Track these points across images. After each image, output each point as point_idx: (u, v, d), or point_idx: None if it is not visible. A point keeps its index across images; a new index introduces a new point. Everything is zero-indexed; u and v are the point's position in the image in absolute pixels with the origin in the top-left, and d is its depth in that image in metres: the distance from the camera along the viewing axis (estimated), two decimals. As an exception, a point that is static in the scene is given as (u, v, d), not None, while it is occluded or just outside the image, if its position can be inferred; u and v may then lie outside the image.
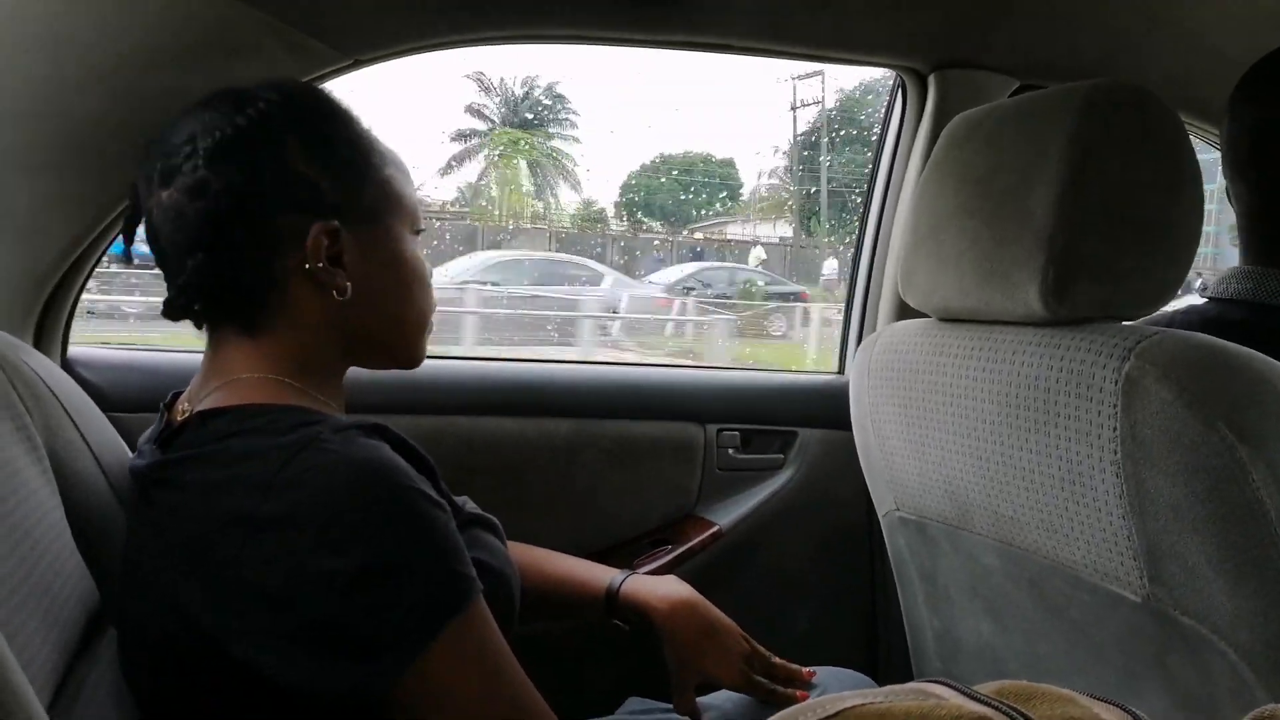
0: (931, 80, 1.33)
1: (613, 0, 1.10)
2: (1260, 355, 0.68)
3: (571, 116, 17.60)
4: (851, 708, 0.33)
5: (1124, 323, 0.79)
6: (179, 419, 0.73)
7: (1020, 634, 0.92)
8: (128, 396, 1.18)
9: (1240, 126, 0.95)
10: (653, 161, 17.02)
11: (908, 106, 1.39)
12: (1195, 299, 1.00)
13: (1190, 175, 0.77)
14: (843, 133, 15.48)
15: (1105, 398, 0.71)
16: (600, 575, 1.06)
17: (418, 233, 0.83)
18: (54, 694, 0.62)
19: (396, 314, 0.81)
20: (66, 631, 0.67)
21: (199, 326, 0.77)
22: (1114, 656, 0.79)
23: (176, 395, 0.80)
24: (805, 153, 16.10)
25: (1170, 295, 0.79)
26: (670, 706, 1.10)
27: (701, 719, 1.02)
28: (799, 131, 15.90)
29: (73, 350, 1.20)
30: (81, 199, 1.06)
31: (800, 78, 14.33)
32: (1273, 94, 0.92)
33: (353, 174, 0.76)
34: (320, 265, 0.73)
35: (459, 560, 0.67)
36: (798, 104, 14.85)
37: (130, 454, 0.93)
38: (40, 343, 1.11)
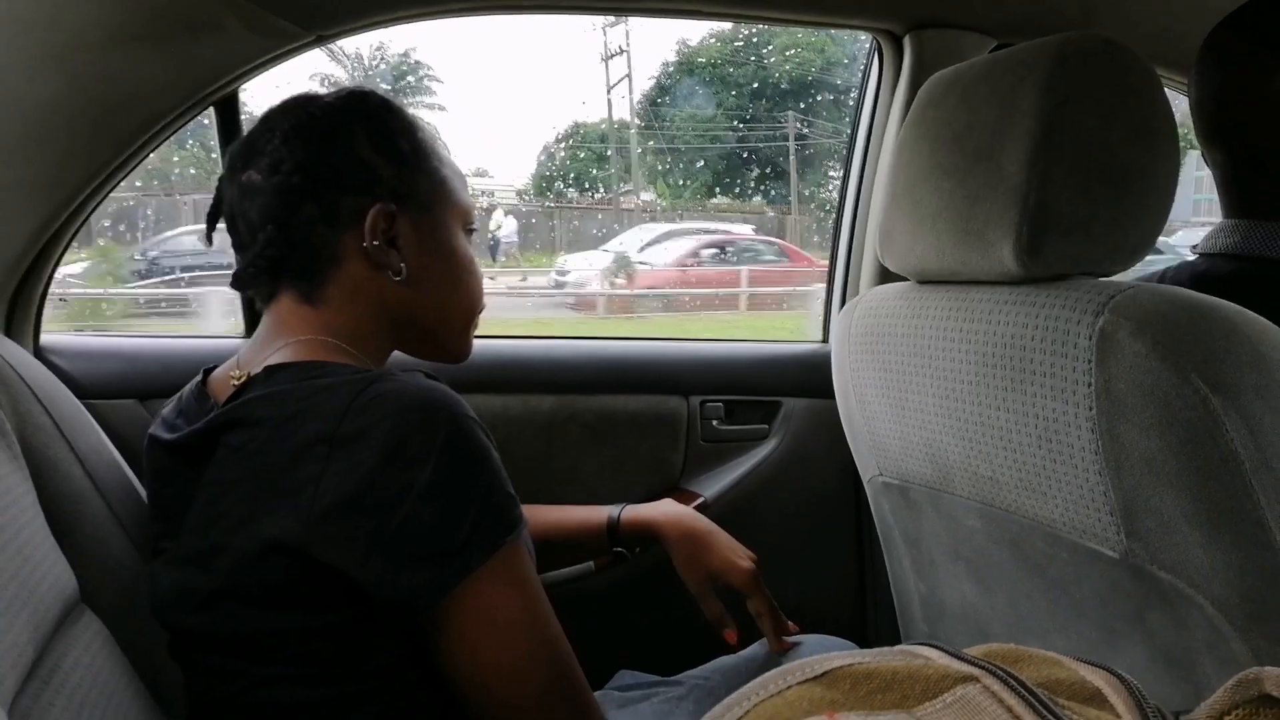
0: (907, 41, 1.31)
1: None
2: (1234, 306, 0.68)
3: (433, 85, 16.77)
4: (839, 667, 0.33)
5: (1099, 278, 0.78)
6: (234, 381, 0.77)
7: (1003, 595, 0.92)
8: (103, 383, 1.17)
9: (1206, 91, 0.95)
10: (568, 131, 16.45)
11: (884, 69, 1.38)
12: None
13: (1165, 128, 0.76)
14: (682, 83, 15.04)
15: (1080, 353, 0.70)
16: (597, 511, 1.14)
17: (470, 231, 0.90)
18: (25, 677, 0.62)
19: (445, 302, 0.87)
20: (38, 615, 0.67)
21: (263, 298, 0.83)
22: (1094, 613, 0.80)
23: (209, 372, 0.85)
24: (654, 106, 15.60)
25: (1145, 250, 0.79)
26: (660, 679, 1.10)
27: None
28: (642, 87, 15.24)
29: (46, 338, 1.18)
30: (47, 184, 1.04)
31: (610, 25, 13.75)
32: (1234, 56, 0.92)
33: (412, 166, 0.83)
34: (376, 244, 0.79)
35: (511, 488, 0.73)
36: (608, 54, 14.21)
37: (105, 439, 0.93)
38: (11, 330, 1.10)
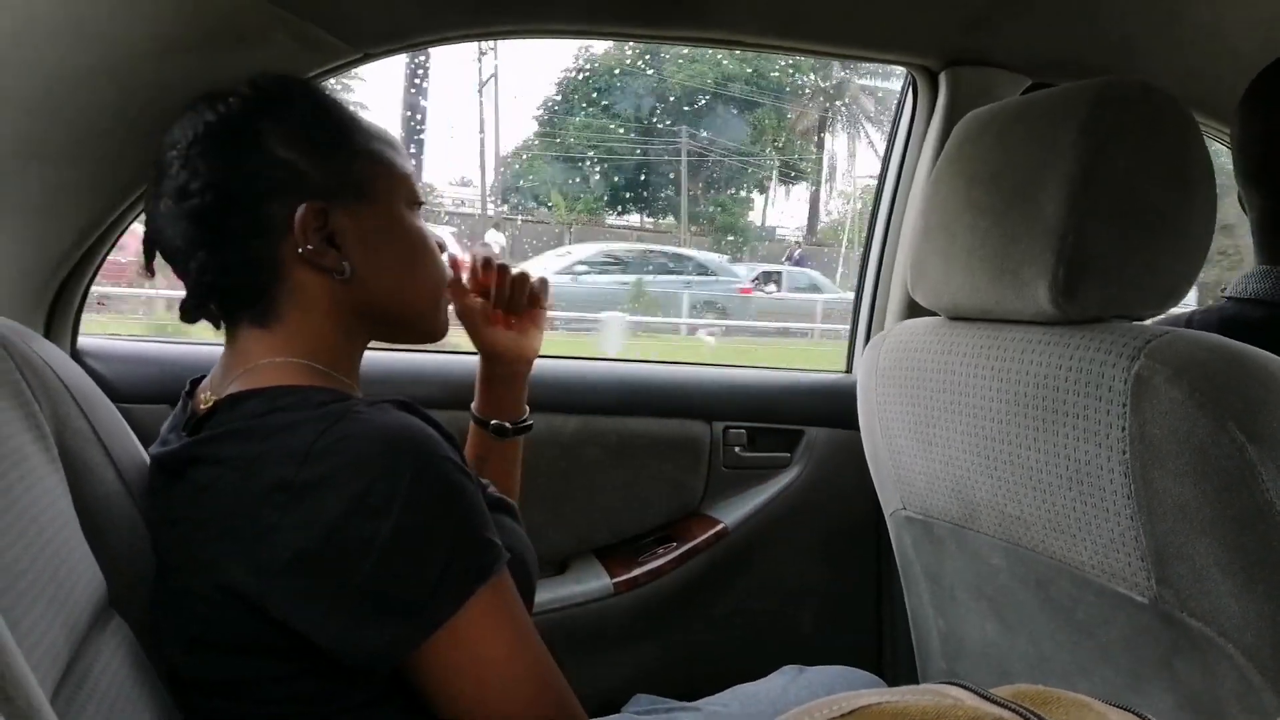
0: (943, 78, 1.32)
1: None
2: (1272, 356, 0.67)
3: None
4: (867, 706, 0.33)
5: (1134, 322, 0.78)
6: (204, 406, 0.74)
7: (1025, 634, 0.92)
8: (137, 387, 1.18)
9: (1249, 134, 0.95)
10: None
11: (919, 104, 1.39)
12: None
13: (1201, 173, 0.76)
14: (593, 94, 14.65)
15: (1114, 397, 0.70)
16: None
17: (416, 205, 0.84)
18: (60, 679, 0.62)
19: (404, 287, 0.82)
20: (73, 617, 0.67)
21: (216, 325, 0.79)
22: (1120, 657, 0.79)
23: (196, 383, 0.82)
24: (551, 114, 15.25)
25: (1181, 294, 0.79)
26: (678, 704, 1.10)
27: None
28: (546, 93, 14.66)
29: (83, 341, 1.20)
30: (93, 189, 1.06)
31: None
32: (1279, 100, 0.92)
33: (334, 152, 0.77)
34: (310, 247, 0.74)
35: (489, 528, 0.69)
36: (480, 51, 13.63)
37: (138, 444, 0.94)
38: (50, 332, 1.12)
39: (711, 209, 15.79)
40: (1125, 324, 0.76)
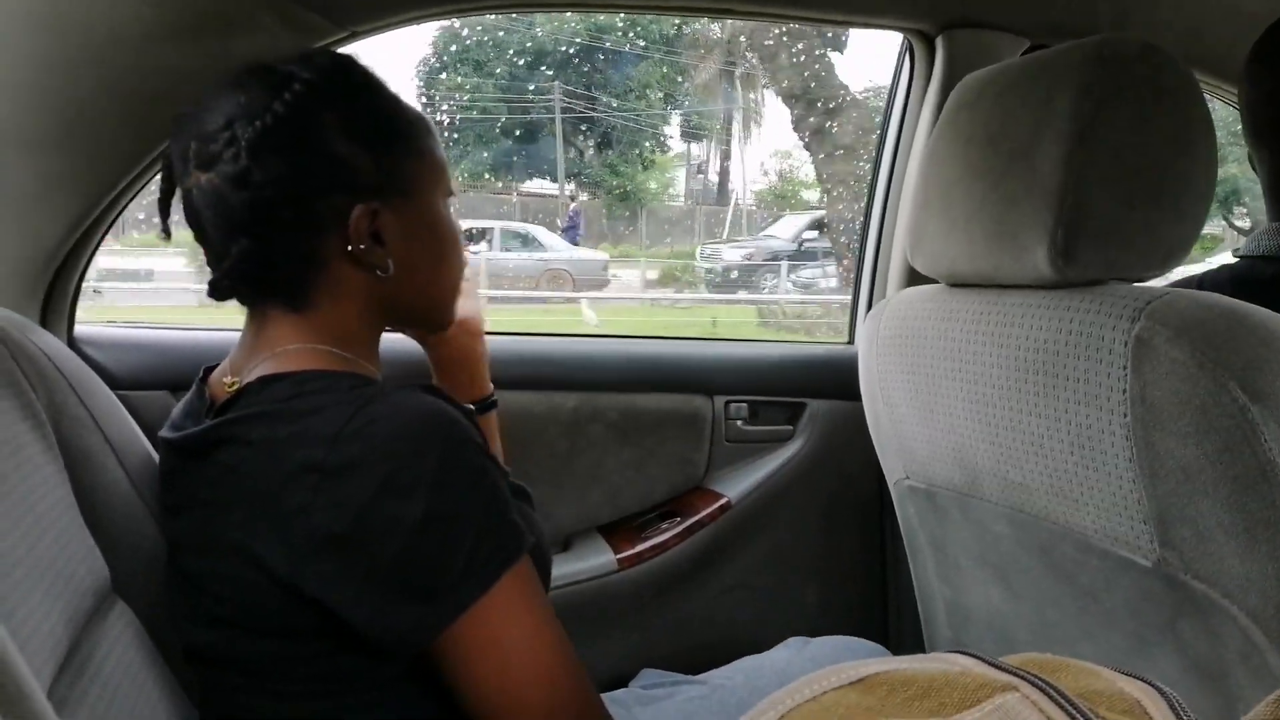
0: (940, 41, 1.30)
1: None
2: (1273, 314, 0.67)
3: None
4: (875, 673, 0.33)
5: (1134, 284, 0.77)
6: (227, 388, 0.75)
7: (1030, 601, 0.91)
8: (135, 374, 1.18)
9: (1258, 92, 0.94)
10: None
11: (915, 69, 1.37)
12: None
13: (1201, 132, 0.75)
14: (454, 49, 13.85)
15: (1115, 360, 0.69)
16: None
17: (450, 196, 0.85)
18: (60, 665, 0.62)
19: (432, 283, 0.84)
20: (73, 605, 0.67)
21: (245, 305, 0.79)
22: (1124, 622, 0.79)
23: (209, 370, 0.82)
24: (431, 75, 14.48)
25: (1181, 255, 0.78)
26: (685, 678, 1.10)
27: None
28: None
29: (79, 329, 1.20)
30: (85, 176, 1.06)
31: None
32: None
33: (390, 149, 0.77)
34: (362, 246, 0.75)
35: (514, 512, 0.70)
36: None
37: (138, 430, 0.94)
38: (46, 321, 1.12)
39: (603, 172, 15.12)
40: (1125, 286, 0.75)
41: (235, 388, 0.74)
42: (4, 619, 0.44)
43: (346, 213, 0.74)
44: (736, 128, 17.01)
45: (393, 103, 0.80)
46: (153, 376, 1.18)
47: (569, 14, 13.43)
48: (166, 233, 0.84)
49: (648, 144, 16.40)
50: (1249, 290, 0.71)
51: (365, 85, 0.78)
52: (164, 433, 0.80)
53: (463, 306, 0.97)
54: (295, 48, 1.07)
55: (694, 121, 16.87)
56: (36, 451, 0.72)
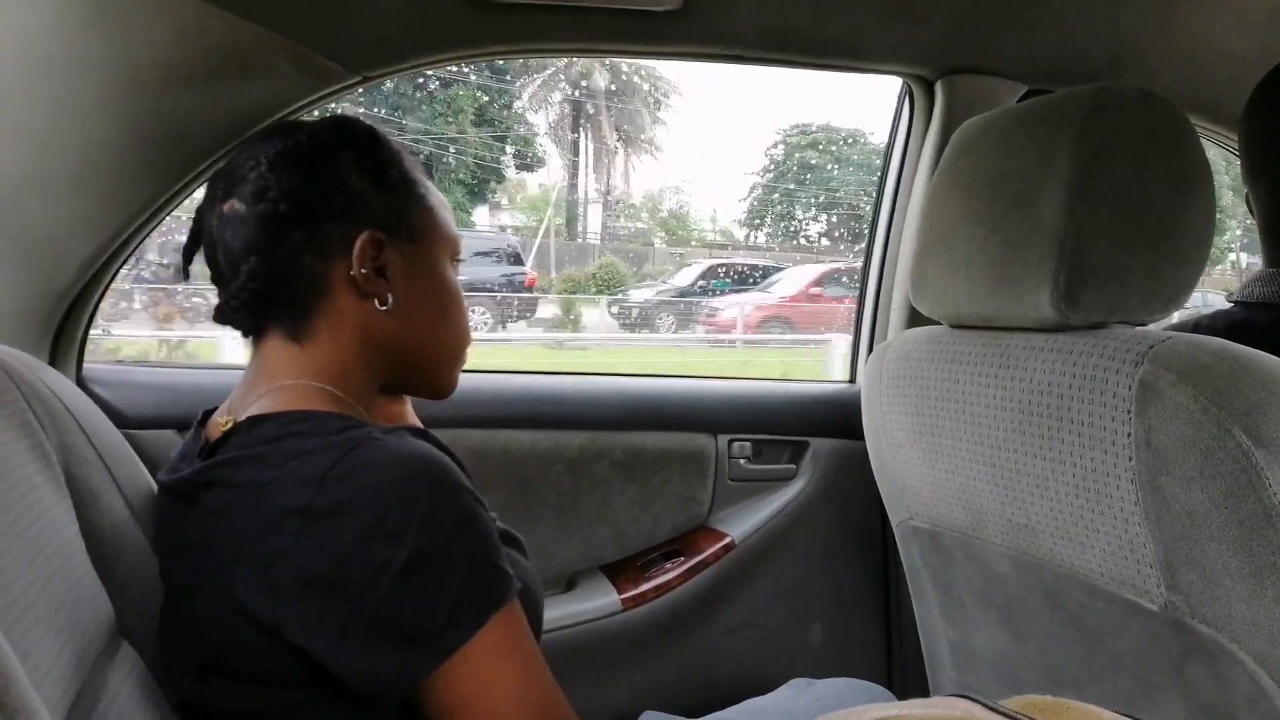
0: (939, 87, 1.32)
1: (617, 12, 1.10)
2: (1275, 359, 0.67)
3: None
4: (884, 718, 0.33)
5: (1136, 327, 0.78)
6: (221, 429, 0.75)
7: (1036, 643, 0.91)
8: (143, 413, 1.19)
9: (1256, 133, 0.95)
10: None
11: (915, 113, 1.39)
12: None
13: (1200, 177, 0.77)
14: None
15: (1119, 403, 0.70)
16: None
17: (457, 262, 0.87)
18: (69, 709, 0.62)
19: (433, 335, 0.84)
20: (81, 647, 0.67)
21: (246, 333, 0.80)
22: (1131, 666, 0.79)
23: (208, 413, 0.82)
24: None
25: (1183, 299, 0.79)
26: None
27: None
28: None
29: (88, 368, 1.21)
30: (100, 218, 1.07)
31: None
32: None
33: (400, 194, 0.81)
34: (364, 272, 0.76)
35: (502, 557, 0.69)
36: None
37: (144, 470, 0.94)
38: (55, 360, 1.12)
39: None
40: (1128, 329, 0.76)
41: (228, 427, 0.74)
42: (20, 663, 0.44)
43: (352, 240, 0.76)
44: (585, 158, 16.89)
45: (408, 163, 0.84)
46: (160, 416, 1.19)
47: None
48: (185, 274, 0.86)
49: (469, 174, 16.03)
50: (1244, 339, 0.71)
51: (375, 137, 0.83)
52: (160, 476, 0.80)
53: None
54: (309, 93, 1.09)
55: (531, 154, 16.50)
56: (47, 492, 0.73)
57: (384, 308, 0.78)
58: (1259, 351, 0.68)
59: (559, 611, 1.30)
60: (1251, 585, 0.65)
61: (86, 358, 1.20)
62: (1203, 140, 0.85)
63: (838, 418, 1.43)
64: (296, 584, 0.64)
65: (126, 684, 0.73)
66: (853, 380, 1.56)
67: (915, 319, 1.34)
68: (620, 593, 1.33)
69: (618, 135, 17.10)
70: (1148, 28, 1.19)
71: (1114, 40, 1.22)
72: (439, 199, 0.86)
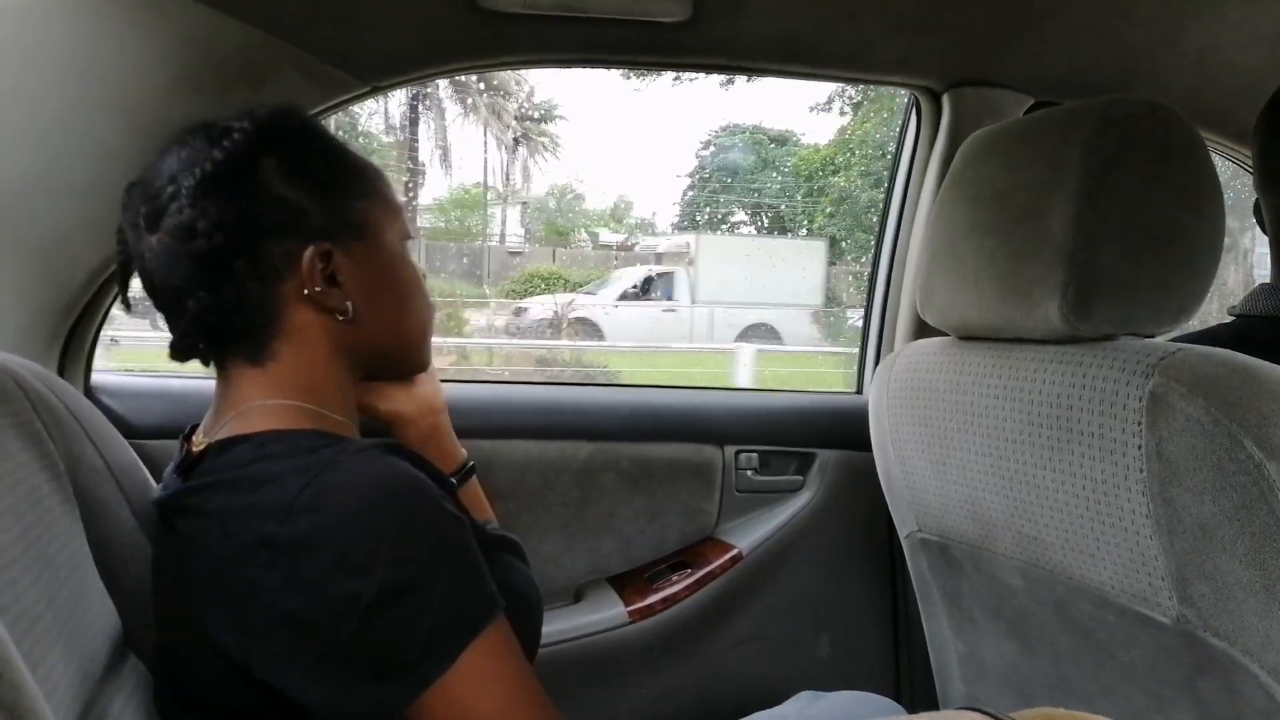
0: (946, 99, 1.33)
1: (626, 24, 1.10)
2: None
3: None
4: None
5: (1146, 339, 0.78)
6: (196, 450, 0.74)
7: (1046, 656, 0.91)
8: (151, 423, 1.19)
9: (1267, 146, 0.94)
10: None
11: (922, 125, 1.39)
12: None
13: (1209, 189, 0.76)
14: None
15: (1129, 415, 0.70)
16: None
17: (407, 239, 0.84)
18: None
19: (399, 325, 0.83)
20: (89, 659, 0.67)
21: (206, 364, 0.78)
22: (1142, 679, 0.78)
23: (194, 427, 0.81)
24: None
25: (1193, 310, 0.79)
26: None
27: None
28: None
29: (96, 377, 1.21)
30: (106, 226, 1.06)
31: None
32: None
33: (335, 191, 0.77)
34: (318, 289, 0.74)
35: (480, 578, 0.67)
36: None
37: (153, 481, 0.94)
38: (64, 370, 1.12)
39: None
40: (1138, 341, 0.76)
41: (201, 448, 0.73)
42: (30, 674, 0.44)
43: (297, 256, 0.73)
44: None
45: (335, 148, 0.79)
46: (169, 425, 1.19)
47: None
48: (126, 305, 0.84)
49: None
50: (1248, 352, 0.70)
51: (304, 133, 0.78)
52: (156, 492, 0.80)
53: (422, 385, 0.96)
54: (317, 102, 1.09)
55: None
56: (55, 503, 0.73)
57: (346, 317, 0.76)
58: (1269, 363, 0.68)
59: (565, 624, 1.29)
60: (1264, 598, 0.64)
61: (95, 367, 1.20)
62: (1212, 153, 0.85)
63: (845, 428, 1.42)
64: (267, 621, 0.62)
65: (134, 699, 0.73)
66: (860, 391, 1.55)
67: (923, 330, 1.34)
68: (627, 605, 1.32)
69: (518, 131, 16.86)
70: (1156, 40, 1.19)
71: (1122, 53, 1.22)
72: (375, 176, 0.82)
